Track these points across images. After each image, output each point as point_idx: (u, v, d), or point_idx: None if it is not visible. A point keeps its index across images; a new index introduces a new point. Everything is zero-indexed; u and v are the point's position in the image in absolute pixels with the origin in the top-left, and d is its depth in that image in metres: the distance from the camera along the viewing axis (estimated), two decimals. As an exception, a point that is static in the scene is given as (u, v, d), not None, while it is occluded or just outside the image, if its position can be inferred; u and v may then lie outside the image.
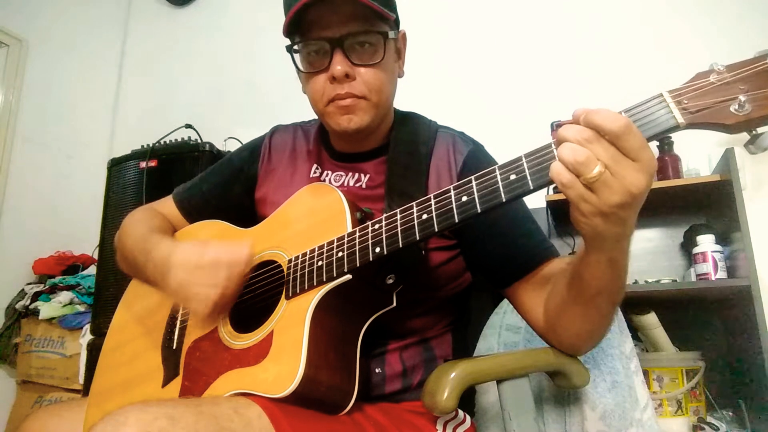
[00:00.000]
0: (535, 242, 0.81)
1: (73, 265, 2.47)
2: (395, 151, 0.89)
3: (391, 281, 0.73)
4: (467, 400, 0.91)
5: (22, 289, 2.37)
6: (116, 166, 2.11)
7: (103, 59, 3.03)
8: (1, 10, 2.52)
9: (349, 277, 0.69)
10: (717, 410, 1.66)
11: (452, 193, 0.63)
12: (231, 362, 0.73)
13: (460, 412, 0.84)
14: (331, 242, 0.72)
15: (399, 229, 0.67)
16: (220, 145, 2.07)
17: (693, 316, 1.81)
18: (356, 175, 0.91)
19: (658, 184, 1.70)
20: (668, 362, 1.62)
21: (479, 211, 0.60)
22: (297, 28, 0.82)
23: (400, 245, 0.66)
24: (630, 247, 0.61)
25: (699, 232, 1.71)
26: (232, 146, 2.11)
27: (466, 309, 0.95)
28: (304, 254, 0.75)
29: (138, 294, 0.97)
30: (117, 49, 3.12)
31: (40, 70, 2.67)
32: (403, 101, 0.97)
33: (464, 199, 0.61)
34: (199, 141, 2.02)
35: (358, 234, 0.70)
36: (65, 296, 2.25)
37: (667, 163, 1.80)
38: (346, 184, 0.91)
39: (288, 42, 0.85)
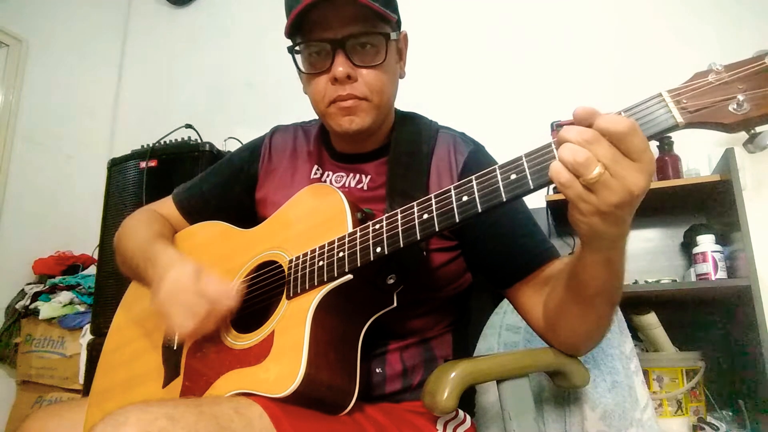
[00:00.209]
0: (536, 243, 0.81)
1: (73, 265, 2.47)
2: (396, 152, 0.89)
3: (391, 281, 0.73)
4: (467, 400, 0.91)
5: (22, 289, 2.37)
6: (116, 166, 2.11)
7: (103, 59, 3.03)
8: (1, 10, 2.52)
9: (350, 277, 0.69)
10: (717, 410, 1.66)
11: (453, 192, 0.63)
12: (232, 362, 0.73)
13: (460, 412, 0.84)
14: (332, 242, 0.72)
15: (400, 228, 0.67)
16: (220, 145, 2.07)
17: (693, 316, 1.81)
18: (357, 176, 0.91)
19: (658, 184, 1.71)
20: (668, 362, 1.62)
21: (480, 210, 0.60)
22: (299, 29, 0.82)
23: (401, 245, 0.66)
24: (626, 247, 0.61)
25: (699, 232, 1.71)
26: (232, 146, 2.11)
27: (467, 309, 0.95)
28: (305, 254, 0.75)
29: (138, 295, 0.97)
30: (117, 49, 3.12)
31: (40, 70, 2.67)
32: (404, 101, 0.97)
33: (465, 198, 0.62)
34: (199, 141, 2.02)
35: (358, 234, 0.70)
36: (65, 296, 2.25)
37: (667, 163, 1.80)
38: (347, 185, 0.91)
39: (289, 43, 0.85)
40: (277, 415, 0.61)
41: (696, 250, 1.68)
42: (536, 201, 1.74)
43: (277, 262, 0.80)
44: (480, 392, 0.94)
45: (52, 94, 2.73)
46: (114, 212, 2.05)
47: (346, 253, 0.70)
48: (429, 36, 2.29)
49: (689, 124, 0.53)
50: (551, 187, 0.53)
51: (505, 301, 0.97)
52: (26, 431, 0.83)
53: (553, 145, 0.56)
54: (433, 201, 0.65)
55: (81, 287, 2.29)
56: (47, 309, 2.20)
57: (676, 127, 0.53)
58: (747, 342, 1.56)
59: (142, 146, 2.09)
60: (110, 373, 0.92)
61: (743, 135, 0.54)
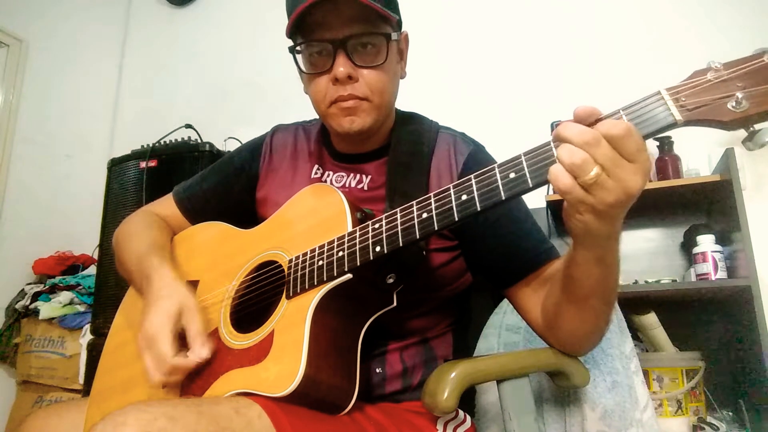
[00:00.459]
0: (536, 243, 0.81)
1: (73, 265, 2.47)
2: (396, 152, 0.89)
3: (391, 281, 0.73)
4: (467, 400, 0.91)
5: (22, 289, 2.37)
6: (116, 166, 2.11)
7: (103, 59, 3.03)
8: (1, 10, 2.52)
9: (349, 276, 0.69)
10: (717, 410, 1.66)
11: (452, 191, 0.63)
12: (232, 362, 0.73)
13: (460, 412, 0.84)
14: (332, 242, 0.72)
15: (399, 228, 0.67)
16: (220, 145, 2.08)
17: (693, 316, 1.81)
18: (357, 176, 0.91)
19: (658, 184, 1.71)
20: (668, 362, 1.62)
21: (479, 209, 0.60)
22: (299, 29, 0.82)
23: (401, 244, 0.66)
24: (619, 246, 0.61)
25: (699, 232, 1.71)
26: (232, 146, 2.11)
27: (467, 309, 0.95)
28: (305, 254, 0.75)
29: (138, 296, 0.97)
30: (117, 49, 3.12)
31: (40, 70, 2.67)
32: (405, 101, 0.97)
33: (464, 197, 0.62)
34: (199, 141, 2.03)
35: (358, 233, 0.70)
36: (65, 296, 2.25)
37: (667, 163, 1.80)
38: (347, 185, 0.91)
39: (290, 43, 0.84)
40: (277, 415, 0.61)
41: (696, 250, 1.68)
42: (536, 201, 1.74)
43: (276, 262, 0.79)
44: (480, 392, 0.94)
45: (52, 94, 2.73)
46: (114, 212, 2.05)
47: (346, 252, 0.70)
48: (430, 36, 2.29)
49: (688, 122, 0.53)
50: (551, 186, 0.53)
51: (505, 301, 0.97)
52: (26, 431, 0.83)
53: (552, 143, 0.56)
54: (433, 200, 0.65)
55: (81, 287, 2.29)
56: (47, 309, 2.20)
57: (674, 125, 0.53)
58: (747, 342, 1.56)
59: (142, 146, 2.09)
60: (110, 373, 0.92)
61: (742, 133, 0.54)
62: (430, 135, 0.91)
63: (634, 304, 1.67)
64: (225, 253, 0.89)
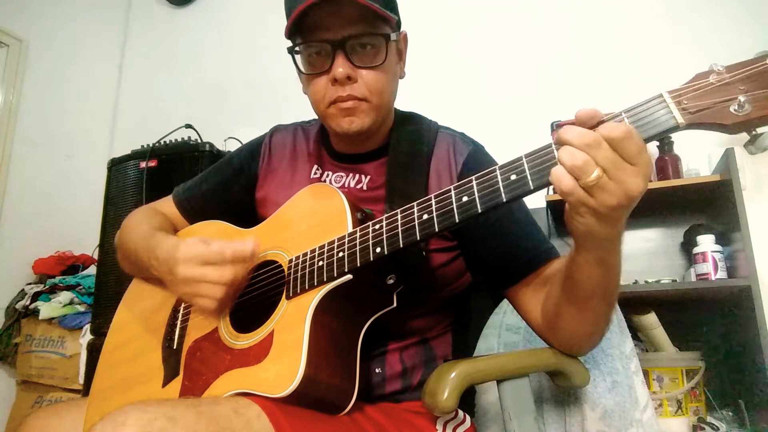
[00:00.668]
0: (536, 243, 0.81)
1: (73, 265, 2.47)
2: (396, 152, 0.89)
3: (391, 281, 0.73)
4: (467, 400, 0.91)
5: (22, 289, 2.37)
6: (116, 166, 2.11)
7: (103, 59, 3.03)
8: (1, 10, 2.52)
9: (349, 277, 0.69)
10: (717, 410, 1.66)
11: (453, 193, 0.63)
12: (231, 362, 0.73)
13: (460, 412, 0.84)
14: (332, 242, 0.72)
15: (399, 229, 0.67)
16: (220, 145, 2.07)
17: (693, 316, 1.81)
18: (357, 176, 0.91)
19: (658, 184, 1.71)
20: (668, 362, 1.62)
21: (480, 211, 0.60)
22: (299, 29, 0.82)
23: (401, 245, 0.66)
24: (621, 247, 0.61)
25: (699, 232, 1.71)
26: (232, 146, 2.11)
27: (467, 309, 0.95)
28: (305, 254, 0.75)
29: (139, 294, 0.97)
30: (117, 49, 3.11)
31: (40, 70, 2.67)
32: (404, 101, 0.96)
33: (465, 199, 0.61)
34: (199, 141, 2.02)
35: (358, 234, 0.70)
36: (65, 296, 2.25)
37: (667, 163, 1.80)
38: (346, 185, 0.91)
39: (289, 43, 0.84)
40: (276, 415, 0.61)
41: (696, 250, 1.68)
42: (536, 201, 1.74)
43: (276, 262, 0.79)
44: (480, 392, 0.94)
45: (52, 94, 2.73)
46: (114, 212, 2.05)
47: (346, 253, 0.70)
48: (429, 36, 2.29)
49: (690, 125, 0.53)
50: (551, 187, 0.53)
51: (505, 301, 0.97)
52: (26, 431, 0.83)
53: (553, 145, 0.56)
54: (433, 201, 0.65)
55: (81, 287, 2.29)
56: (47, 309, 2.20)
57: (676, 127, 0.53)
58: (747, 342, 1.56)
59: (142, 146, 2.09)
60: (110, 372, 0.92)
61: (744, 135, 0.54)
62: (429, 135, 0.91)
63: (634, 304, 1.67)
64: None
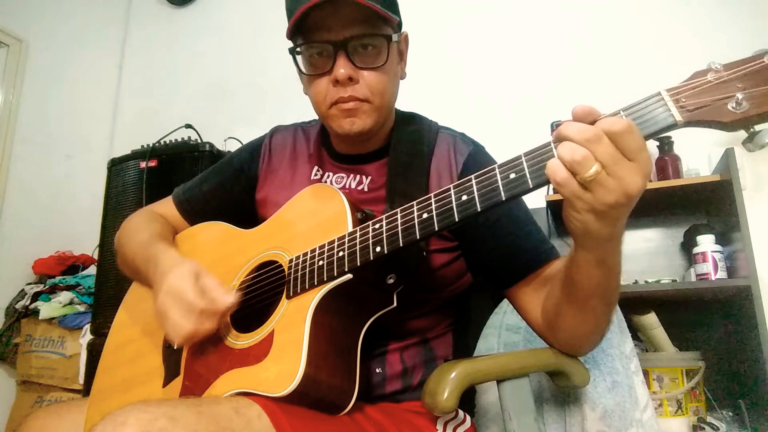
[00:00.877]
0: (536, 243, 0.81)
1: (73, 265, 2.47)
2: (396, 153, 0.89)
3: (391, 281, 0.73)
4: (467, 400, 0.91)
5: (22, 289, 2.37)
6: (116, 166, 2.11)
7: (103, 59, 3.03)
8: (1, 10, 2.52)
9: (349, 276, 0.69)
10: (717, 410, 1.66)
11: (452, 192, 0.63)
12: (232, 362, 0.73)
13: (460, 412, 0.84)
14: (332, 242, 0.72)
15: (399, 228, 0.67)
16: (220, 145, 2.08)
17: (693, 316, 1.81)
18: (357, 177, 0.91)
19: (658, 184, 1.71)
20: (668, 362, 1.62)
21: (479, 209, 0.60)
22: (300, 30, 0.82)
23: (401, 244, 0.66)
24: (620, 247, 0.61)
25: (699, 232, 1.71)
26: (232, 146, 2.11)
27: (467, 309, 0.95)
28: (305, 254, 0.75)
29: (140, 294, 0.97)
30: (117, 49, 3.12)
31: (40, 70, 2.67)
32: (405, 101, 0.97)
33: (464, 198, 0.62)
34: (199, 141, 2.03)
35: (358, 233, 0.70)
36: (65, 296, 2.25)
37: (667, 163, 1.80)
38: (347, 186, 0.91)
39: (290, 43, 0.84)
40: (277, 415, 0.61)
41: (696, 250, 1.68)
42: (536, 201, 1.74)
43: (277, 262, 0.80)
44: (480, 392, 0.94)
45: (52, 94, 2.73)
46: (114, 212, 2.06)
47: (346, 252, 0.70)
48: (430, 36, 2.29)
49: (688, 123, 0.53)
50: (551, 186, 0.53)
51: (505, 301, 0.97)
52: (26, 431, 0.83)
53: (552, 144, 0.56)
54: (433, 200, 0.65)
55: (81, 287, 2.29)
56: (47, 309, 2.20)
57: (675, 125, 0.53)
58: (747, 342, 1.56)
59: (142, 146, 2.09)
60: (111, 372, 0.92)
61: (743, 134, 0.54)
62: (429, 135, 0.91)
63: (634, 304, 1.67)
64: (226, 253, 0.89)
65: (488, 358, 0.74)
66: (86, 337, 2.08)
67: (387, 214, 0.69)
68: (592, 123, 0.53)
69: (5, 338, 2.30)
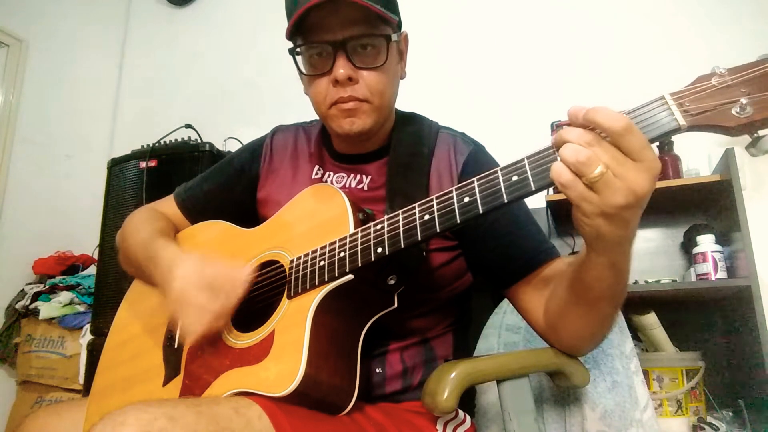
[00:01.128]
0: (536, 243, 0.81)
1: (73, 265, 2.47)
2: (396, 153, 0.89)
3: (392, 282, 0.73)
4: (467, 400, 0.91)
5: (22, 289, 2.37)
6: (116, 166, 2.11)
7: (103, 59, 3.03)
8: (1, 10, 2.52)
9: (350, 277, 0.69)
10: (717, 410, 1.66)
11: (454, 194, 0.63)
12: (232, 361, 0.73)
13: (460, 412, 0.84)
14: (333, 242, 0.72)
15: (401, 229, 0.67)
16: (220, 145, 2.08)
17: (693, 316, 1.81)
18: (358, 176, 0.91)
19: (658, 184, 1.68)
20: (668, 362, 1.62)
21: (481, 212, 0.60)
22: (299, 30, 0.82)
23: (402, 246, 0.66)
24: (631, 250, 0.61)
25: (699, 232, 1.71)
26: (232, 146, 2.11)
27: (467, 309, 0.95)
28: (306, 254, 0.75)
29: (141, 293, 0.97)
30: (117, 49, 3.12)
31: (40, 70, 2.67)
32: (405, 101, 0.97)
33: (466, 200, 0.62)
34: (199, 141, 2.02)
35: (360, 234, 0.70)
36: (65, 296, 2.25)
37: (667, 163, 1.80)
38: (347, 185, 0.91)
39: (290, 44, 0.84)
40: (277, 415, 0.61)
41: (696, 250, 1.68)
42: (536, 201, 1.74)
43: (278, 262, 0.80)
44: (480, 392, 0.94)
45: (52, 94, 2.73)
46: (114, 212, 2.05)
47: (347, 253, 0.70)
48: (429, 36, 2.29)
49: (692, 127, 0.53)
50: (552, 187, 0.53)
51: (505, 301, 0.97)
52: (26, 431, 0.83)
53: (553, 148, 0.56)
54: (435, 202, 0.65)
55: (81, 287, 2.29)
56: (47, 309, 2.20)
57: (678, 129, 0.53)
58: (747, 342, 1.56)
59: (142, 146, 2.09)
60: (111, 370, 0.92)
61: (745, 138, 0.54)
62: (430, 135, 0.91)
63: (634, 304, 1.67)
64: (227, 252, 0.89)
65: (488, 358, 0.74)
66: (86, 337, 2.08)
67: (388, 215, 0.69)
68: (592, 129, 0.53)
69: (5, 338, 2.31)
